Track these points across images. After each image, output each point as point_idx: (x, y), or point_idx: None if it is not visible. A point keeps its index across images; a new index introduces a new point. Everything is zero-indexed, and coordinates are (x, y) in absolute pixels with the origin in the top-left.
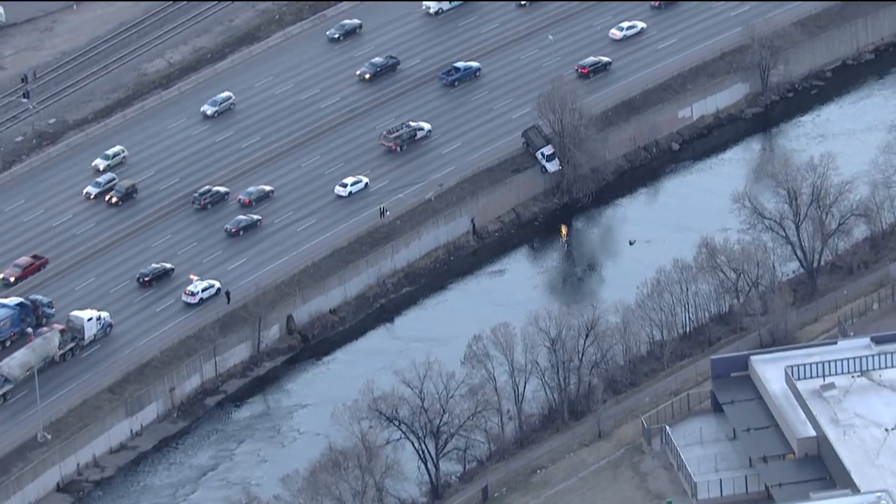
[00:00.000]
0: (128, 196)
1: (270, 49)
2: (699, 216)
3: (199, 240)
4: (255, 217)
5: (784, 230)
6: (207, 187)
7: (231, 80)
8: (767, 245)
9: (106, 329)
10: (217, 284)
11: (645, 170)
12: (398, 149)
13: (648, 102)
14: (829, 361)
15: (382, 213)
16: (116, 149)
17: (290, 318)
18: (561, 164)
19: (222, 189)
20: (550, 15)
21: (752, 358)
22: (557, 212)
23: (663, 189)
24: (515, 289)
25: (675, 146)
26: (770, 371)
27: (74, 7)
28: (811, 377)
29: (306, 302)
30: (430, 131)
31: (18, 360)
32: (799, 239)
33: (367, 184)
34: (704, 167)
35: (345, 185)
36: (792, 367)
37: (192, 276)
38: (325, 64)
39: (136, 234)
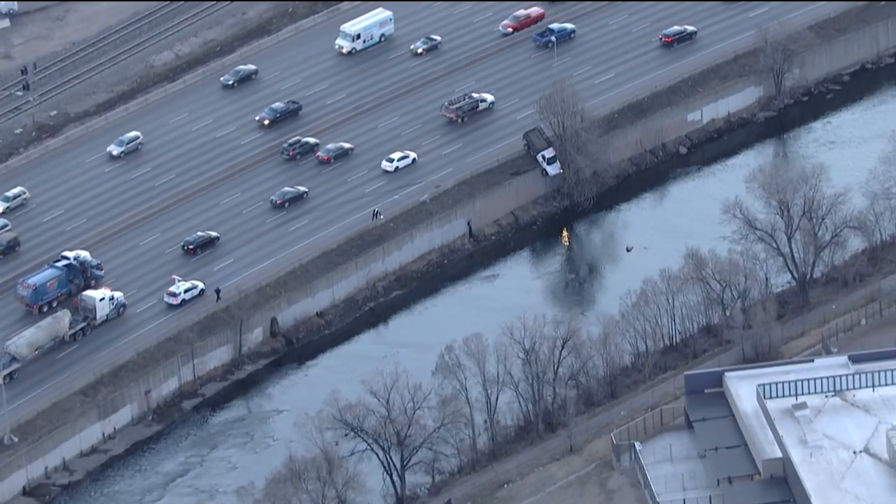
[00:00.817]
0: (10, 249)
1: (281, 42)
2: (701, 223)
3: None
4: (302, 189)
5: (776, 241)
6: (297, 137)
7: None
8: (759, 256)
9: (119, 309)
10: (200, 285)
11: (650, 174)
12: (460, 120)
13: (656, 105)
14: (804, 380)
15: (375, 216)
16: (17, 190)
17: (274, 320)
18: (562, 168)
19: (312, 140)
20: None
21: (727, 374)
22: (557, 216)
23: (668, 194)
24: (510, 294)
25: (683, 150)
26: (743, 388)
27: None
28: (784, 396)
29: (291, 304)
30: (492, 103)
31: (27, 339)
32: (791, 250)
33: (414, 159)
34: (712, 172)
35: (391, 160)
36: (765, 385)
37: (173, 277)
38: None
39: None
